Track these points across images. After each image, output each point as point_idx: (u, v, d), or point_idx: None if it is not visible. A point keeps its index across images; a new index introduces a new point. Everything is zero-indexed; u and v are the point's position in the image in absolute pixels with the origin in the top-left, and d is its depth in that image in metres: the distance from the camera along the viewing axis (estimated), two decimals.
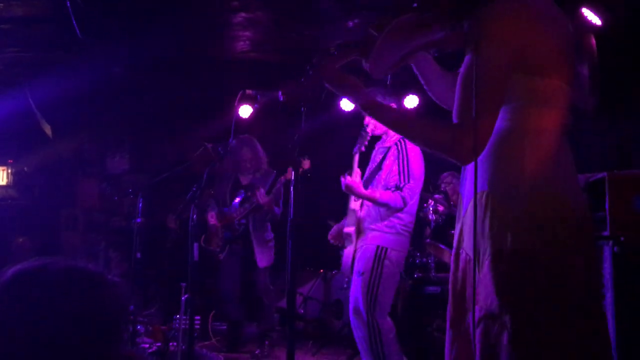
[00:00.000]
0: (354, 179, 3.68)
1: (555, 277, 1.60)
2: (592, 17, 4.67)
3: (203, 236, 5.37)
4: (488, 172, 1.68)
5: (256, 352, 5.13)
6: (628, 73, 4.56)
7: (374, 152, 3.98)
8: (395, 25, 1.77)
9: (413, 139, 1.78)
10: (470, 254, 1.69)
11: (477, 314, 1.65)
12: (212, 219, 5.33)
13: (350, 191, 3.66)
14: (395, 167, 3.68)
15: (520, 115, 1.67)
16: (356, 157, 3.79)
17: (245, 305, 5.38)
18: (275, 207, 5.15)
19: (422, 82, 2.02)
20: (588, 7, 4.68)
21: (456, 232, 1.83)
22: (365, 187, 3.75)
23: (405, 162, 3.66)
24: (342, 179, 3.65)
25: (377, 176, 3.79)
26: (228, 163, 5.21)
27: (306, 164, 4.36)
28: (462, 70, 1.65)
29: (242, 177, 5.42)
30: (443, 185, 5.60)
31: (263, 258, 5.20)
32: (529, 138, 1.66)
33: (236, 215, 5.21)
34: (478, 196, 1.67)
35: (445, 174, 5.63)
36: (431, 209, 5.10)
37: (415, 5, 1.77)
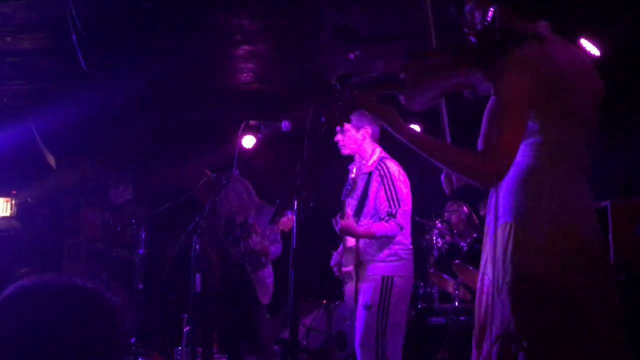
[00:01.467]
0: (347, 221, 3.58)
1: (571, 302, 1.70)
2: (591, 48, 4.73)
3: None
4: (512, 204, 1.81)
5: None
6: (627, 102, 4.59)
7: (351, 176, 3.85)
8: (425, 66, 1.89)
9: (443, 164, 1.89)
10: (491, 279, 1.80)
11: (494, 333, 1.76)
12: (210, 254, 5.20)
13: (346, 233, 3.61)
14: (382, 193, 3.62)
15: (541, 152, 1.81)
16: (346, 204, 3.74)
17: (244, 340, 5.29)
18: (273, 245, 5.03)
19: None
20: (586, 38, 4.74)
21: (482, 258, 1.94)
22: (356, 217, 3.69)
23: (391, 187, 3.60)
24: (335, 223, 3.60)
25: (365, 206, 3.71)
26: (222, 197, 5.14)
27: (286, 220, 4.39)
28: (491, 101, 1.82)
29: (237, 216, 5.36)
30: (447, 214, 5.60)
31: (262, 296, 5.06)
32: (549, 173, 1.80)
33: (234, 255, 5.14)
34: (502, 226, 1.80)
35: (449, 202, 5.62)
36: (434, 238, 5.09)
37: (445, 49, 1.90)
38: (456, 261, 4.46)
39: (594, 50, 4.66)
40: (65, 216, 8.01)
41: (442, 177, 2.17)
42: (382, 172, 3.66)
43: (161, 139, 7.42)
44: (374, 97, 1.96)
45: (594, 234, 1.81)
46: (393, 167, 3.69)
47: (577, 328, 1.70)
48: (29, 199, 7.99)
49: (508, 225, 1.79)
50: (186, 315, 3.97)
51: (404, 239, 3.66)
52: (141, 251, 4.58)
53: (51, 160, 7.32)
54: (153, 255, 5.62)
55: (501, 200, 1.83)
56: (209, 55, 5.76)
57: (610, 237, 3.06)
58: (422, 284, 5.41)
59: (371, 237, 3.57)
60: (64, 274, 1.09)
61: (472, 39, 1.95)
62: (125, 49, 5.50)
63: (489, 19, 1.84)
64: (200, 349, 5.52)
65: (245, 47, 5.49)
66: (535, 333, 1.70)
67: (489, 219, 1.92)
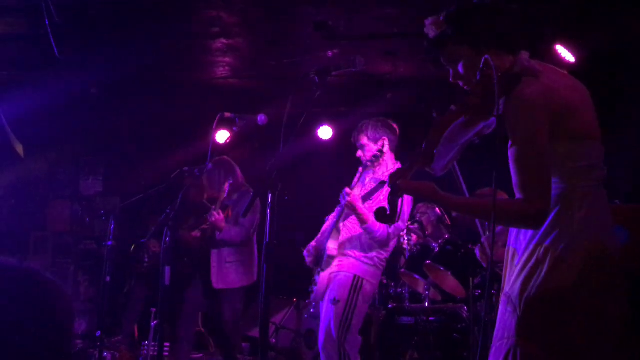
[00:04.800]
0: (355, 195, 3.66)
1: (599, 317, 1.84)
2: (566, 54, 4.80)
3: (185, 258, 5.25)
4: (543, 227, 1.91)
5: None
6: (602, 108, 4.66)
7: (362, 175, 3.91)
8: (449, 132, 2.02)
9: (497, 221, 1.96)
10: (513, 297, 1.92)
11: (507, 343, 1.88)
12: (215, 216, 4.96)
13: (351, 205, 3.63)
14: (386, 204, 3.66)
15: (567, 177, 1.92)
16: (358, 175, 3.78)
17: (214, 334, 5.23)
18: (234, 228, 4.92)
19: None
20: (562, 45, 4.80)
21: (506, 277, 2.03)
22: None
23: (399, 203, 3.66)
24: (345, 192, 3.64)
25: (367, 204, 3.76)
26: (208, 184, 5.10)
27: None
28: (509, 151, 1.91)
29: (221, 197, 5.30)
30: (418, 215, 5.61)
31: (220, 280, 4.96)
32: (577, 196, 1.91)
33: (192, 240, 5.08)
34: (533, 249, 1.92)
35: (419, 204, 5.66)
36: (406, 239, 5.10)
37: (456, 112, 2.02)
38: (427, 262, 4.47)
39: (569, 57, 4.72)
40: (33, 207, 7.84)
41: (477, 252, 2.27)
42: None
43: (134, 131, 7.32)
44: (409, 178, 2.08)
45: (616, 247, 1.94)
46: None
47: (603, 343, 1.82)
48: None
49: (541, 248, 1.90)
50: (154, 310, 3.90)
51: (385, 253, 3.77)
52: (109, 243, 4.50)
53: (19, 149, 7.15)
54: (122, 247, 5.53)
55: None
56: (185, 48, 5.70)
57: None
58: (392, 284, 5.42)
59: (363, 222, 3.63)
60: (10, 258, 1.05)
61: (473, 94, 2.02)
62: (99, 38, 5.41)
63: (484, 69, 1.92)
64: (167, 344, 5.46)
65: (223, 40, 5.44)
66: (555, 344, 1.82)
67: (516, 241, 2.02)
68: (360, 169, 3.83)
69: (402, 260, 5.26)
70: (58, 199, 7.88)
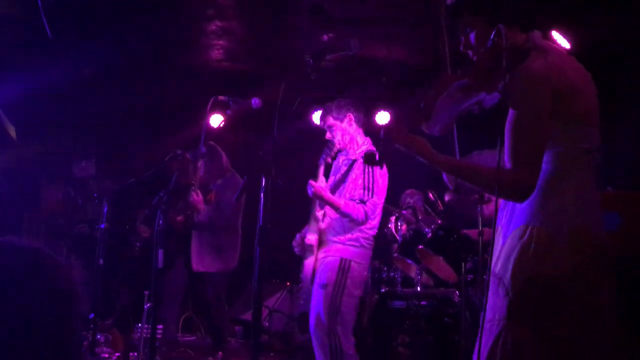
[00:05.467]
0: (320, 185, 3.67)
1: (587, 301, 1.86)
2: (561, 40, 4.78)
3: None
4: (532, 208, 1.92)
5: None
6: (600, 96, 4.67)
7: (336, 163, 3.97)
8: (449, 91, 2.02)
9: (480, 185, 2.02)
10: (504, 278, 1.92)
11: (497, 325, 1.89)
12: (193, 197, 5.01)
13: (317, 196, 3.64)
14: (359, 181, 3.69)
15: (560, 156, 1.92)
16: (321, 167, 3.78)
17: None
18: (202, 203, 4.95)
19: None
20: (557, 31, 4.79)
21: (493, 257, 2.03)
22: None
23: (370, 178, 3.67)
24: (309, 184, 3.64)
25: (340, 188, 3.79)
26: (196, 170, 5.09)
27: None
28: (507, 122, 1.91)
29: (196, 178, 5.28)
30: (412, 201, 5.63)
31: (199, 263, 5.00)
32: (569, 176, 1.92)
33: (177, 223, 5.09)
34: (521, 228, 1.91)
35: (408, 190, 5.68)
36: (399, 223, 5.12)
37: (460, 74, 2.02)
38: (420, 247, 4.49)
39: (565, 43, 4.71)
40: (25, 190, 7.80)
41: (444, 176, 2.26)
42: None
43: (128, 114, 7.27)
44: (405, 131, 2.06)
45: (604, 235, 1.96)
46: None
47: (587, 323, 1.84)
48: None
49: (529, 228, 1.90)
50: (147, 292, 3.91)
51: (368, 229, 3.73)
52: (102, 226, 4.49)
53: (12, 131, 7.11)
54: (115, 230, 5.52)
55: (518, 205, 1.95)
56: (179, 30, 5.65)
57: None
58: (385, 268, 5.45)
59: (337, 208, 3.63)
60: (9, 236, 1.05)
61: (481, 59, 2.01)
62: (93, 20, 5.36)
63: (496, 38, 1.92)
64: (160, 326, 5.47)
65: (218, 22, 5.41)
66: (547, 331, 1.84)
67: (504, 221, 2.02)
68: (322, 161, 3.81)
69: (395, 245, 5.29)
70: (51, 182, 7.84)
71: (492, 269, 2.01)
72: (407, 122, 2.10)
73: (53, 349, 0.96)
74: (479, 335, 2.01)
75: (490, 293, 1.98)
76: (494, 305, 1.93)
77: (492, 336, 1.89)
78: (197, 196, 4.89)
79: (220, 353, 5.14)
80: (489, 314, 1.94)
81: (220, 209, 5.03)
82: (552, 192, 1.91)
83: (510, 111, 1.92)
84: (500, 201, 2.07)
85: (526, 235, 1.90)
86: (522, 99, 1.88)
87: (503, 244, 1.98)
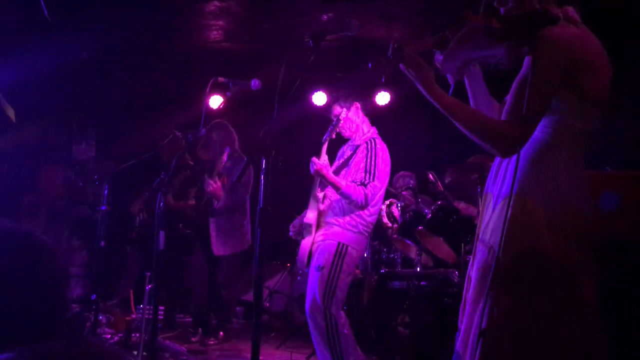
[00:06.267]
0: (322, 162, 3.69)
1: (570, 279, 1.86)
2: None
3: (180, 224, 5.32)
4: (525, 177, 1.90)
5: (209, 342, 5.13)
6: None
7: (342, 149, 3.99)
8: (469, 30, 1.96)
9: (469, 129, 1.95)
10: (495, 247, 1.89)
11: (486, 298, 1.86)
12: (212, 185, 5.09)
13: (319, 174, 3.65)
14: (362, 165, 3.70)
15: (560, 129, 1.91)
16: (325, 144, 3.79)
17: (206, 295, 5.31)
18: (224, 193, 5.02)
19: (470, 96, 2.21)
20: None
21: (481, 225, 2.03)
22: None
23: (372, 161, 3.68)
24: (312, 162, 3.66)
25: (343, 171, 3.80)
26: (202, 149, 5.15)
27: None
28: (520, 75, 1.89)
29: (218, 166, 5.34)
30: (412, 182, 5.64)
31: (220, 246, 5.12)
32: (565, 152, 1.91)
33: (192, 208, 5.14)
34: (514, 199, 1.88)
35: (400, 172, 5.68)
36: (400, 204, 5.14)
37: (490, 17, 1.94)
38: (419, 228, 4.51)
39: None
40: (25, 172, 7.80)
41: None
42: (369, 147, 3.75)
43: (126, 96, 7.25)
44: (417, 56, 2.00)
45: (590, 217, 1.94)
46: (381, 146, 3.78)
47: (570, 302, 1.84)
48: None
49: (520, 199, 1.88)
50: (149, 274, 3.93)
51: (368, 216, 3.74)
52: (103, 208, 4.50)
53: (11, 113, 7.08)
54: (116, 212, 5.54)
55: (511, 172, 1.90)
56: (178, 11, 5.61)
57: None
58: (385, 249, 5.47)
59: (337, 188, 3.64)
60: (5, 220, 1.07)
61: (510, 11, 1.98)
62: (92, 2, 5.32)
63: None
64: (162, 308, 5.53)
65: (216, 2, 5.36)
66: (529, 299, 1.84)
67: (493, 188, 2.02)
68: (326, 137, 3.83)
69: (395, 226, 5.30)
70: (50, 164, 7.84)
71: (480, 236, 2.00)
72: (420, 44, 2.04)
73: (46, 327, 0.98)
74: (463, 302, 2.02)
75: (476, 261, 1.97)
76: (484, 273, 1.91)
77: (479, 305, 1.88)
78: (215, 184, 4.95)
79: (221, 333, 5.20)
80: (478, 281, 1.93)
81: (234, 191, 5.09)
82: (545, 164, 1.90)
83: (523, 68, 1.90)
84: (492, 171, 2.05)
85: (517, 206, 1.88)
86: (538, 58, 1.85)
87: (493, 212, 1.97)
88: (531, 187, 1.90)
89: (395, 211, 5.19)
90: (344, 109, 3.82)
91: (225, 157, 4.89)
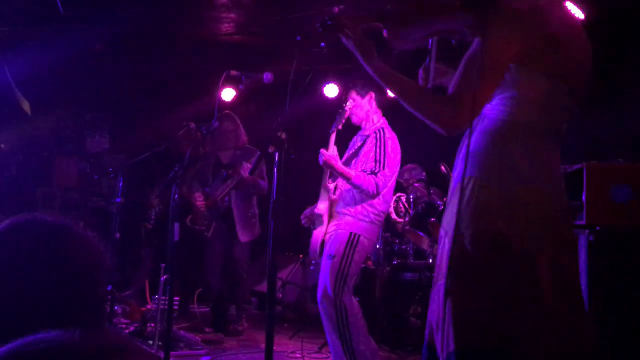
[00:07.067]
0: (331, 154, 3.70)
1: (523, 260, 1.69)
2: (576, 11, 4.72)
3: (190, 216, 5.37)
4: (479, 158, 1.78)
5: (239, 327, 5.21)
6: (606, 66, 4.62)
7: (353, 140, 4.01)
8: (414, 2, 1.86)
9: (411, 105, 1.85)
10: (450, 232, 1.77)
11: (443, 285, 1.75)
12: (199, 201, 5.28)
13: (328, 165, 3.67)
14: (371, 154, 3.71)
15: (515, 107, 1.76)
16: (333, 135, 3.81)
17: (225, 281, 5.37)
18: (260, 180, 5.16)
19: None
20: (571, 1, 4.72)
21: (445, 212, 1.91)
22: None
23: (382, 150, 3.70)
24: (321, 153, 3.67)
25: (353, 162, 3.82)
26: (209, 140, 5.22)
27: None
28: (471, 47, 1.75)
29: (223, 156, 5.40)
30: (424, 174, 5.65)
31: (244, 233, 5.20)
32: (520, 131, 1.76)
33: (219, 193, 5.20)
34: (466, 180, 1.76)
35: (408, 165, 5.69)
36: (412, 196, 5.15)
37: None
38: (432, 219, 4.53)
39: (579, 13, 4.64)
40: (39, 164, 7.88)
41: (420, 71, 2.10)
42: (378, 136, 3.76)
43: (139, 88, 7.29)
44: (358, 27, 1.91)
45: (557, 198, 1.79)
46: (390, 135, 3.79)
47: (524, 286, 1.69)
48: (2, 145, 7.83)
49: (472, 180, 1.77)
50: (164, 265, 3.98)
51: (379, 205, 3.75)
52: (118, 200, 4.55)
53: (26, 106, 7.15)
54: (130, 204, 5.59)
55: (463, 154, 1.79)
56: (189, 3, 5.63)
57: (583, 198, 3.11)
58: (397, 241, 5.49)
59: (347, 179, 3.65)
60: (49, 214, 1.12)
61: None
62: None
63: None
64: (177, 298, 5.58)
65: None
66: (479, 286, 1.71)
67: (455, 172, 1.89)
68: (333, 129, 3.85)
69: (407, 217, 5.32)
70: (64, 156, 7.91)
71: (442, 222, 1.89)
72: (365, 17, 1.92)
73: (86, 315, 1.03)
74: (432, 295, 1.88)
75: (439, 249, 1.86)
76: (440, 259, 1.82)
77: (441, 295, 1.76)
78: (200, 201, 5.17)
79: (244, 316, 5.32)
80: (440, 270, 1.82)
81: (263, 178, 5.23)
82: (501, 144, 1.77)
83: (475, 41, 1.77)
84: (459, 154, 1.90)
85: (469, 188, 1.76)
86: (490, 31, 1.71)
87: (453, 198, 1.84)
88: (484, 167, 1.77)
89: (402, 206, 5.21)
90: (358, 96, 3.84)
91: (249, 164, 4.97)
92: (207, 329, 5.25)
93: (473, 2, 1.77)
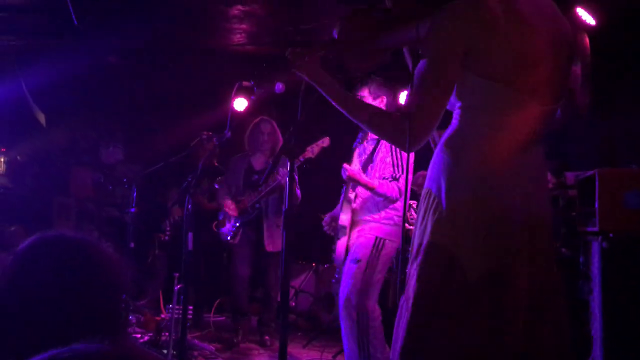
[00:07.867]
0: (354, 168, 3.75)
1: (471, 282, 1.64)
2: (587, 17, 4.71)
3: (215, 222, 5.37)
4: (438, 168, 1.74)
5: (266, 341, 5.18)
6: (619, 71, 4.61)
7: (362, 146, 4.00)
8: (360, 25, 1.82)
9: (368, 125, 1.84)
10: (416, 242, 1.77)
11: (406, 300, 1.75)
12: (229, 208, 5.22)
13: (352, 179, 3.70)
14: (388, 159, 3.74)
15: (470, 117, 1.70)
16: (356, 151, 3.86)
17: (252, 292, 5.35)
18: (297, 188, 5.14)
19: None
20: (583, 7, 4.71)
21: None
22: None
23: (398, 154, 3.73)
24: (344, 168, 3.70)
25: (369, 168, 3.84)
26: (249, 141, 5.21)
27: (326, 141, 4.44)
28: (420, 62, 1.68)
29: (256, 162, 5.40)
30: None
31: (271, 242, 5.15)
32: (473, 139, 1.68)
33: (250, 199, 5.17)
34: (425, 192, 1.76)
35: (420, 172, 5.69)
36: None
37: (379, 7, 1.80)
38: None
39: (590, 20, 4.64)
40: (55, 175, 7.97)
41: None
42: None
43: (153, 99, 7.37)
44: (315, 59, 1.90)
45: (530, 211, 1.69)
46: None
47: (466, 313, 1.64)
48: (18, 157, 7.93)
49: (428, 192, 1.75)
50: (177, 274, 4.00)
51: (401, 207, 3.75)
52: (132, 210, 4.60)
53: (41, 118, 7.25)
54: (144, 214, 5.63)
55: (434, 163, 1.76)
56: (202, 15, 5.69)
57: (596, 205, 3.10)
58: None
59: (371, 190, 3.69)
60: (76, 231, 1.16)
61: None
62: (117, 7, 5.42)
63: None
64: (191, 307, 5.60)
65: (239, 7, 5.43)
66: (430, 300, 1.67)
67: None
68: (356, 144, 3.89)
69: None
70: (79, 167, 8.00)
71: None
72: (316, 50, 1.89)
73: (109, 324, 1.06)
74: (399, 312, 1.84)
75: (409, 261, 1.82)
76: (408, 276, 1.78)
77: (403, 316, 1.75)
78: (231, 205, 5.16)
79: (267, 337, 5.25)
80: (408, 287, 1.77)
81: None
82: (453, 153, 1.70)
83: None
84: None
85: (429, 199, 1.72)
86: (431, 38, 1.63)
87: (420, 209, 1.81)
88: (441, 177, 1.71)
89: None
90: (370, 97, 3.86)
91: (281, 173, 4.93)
92: (225, 336, 5.24)
93: (413, 16, 1.70)
